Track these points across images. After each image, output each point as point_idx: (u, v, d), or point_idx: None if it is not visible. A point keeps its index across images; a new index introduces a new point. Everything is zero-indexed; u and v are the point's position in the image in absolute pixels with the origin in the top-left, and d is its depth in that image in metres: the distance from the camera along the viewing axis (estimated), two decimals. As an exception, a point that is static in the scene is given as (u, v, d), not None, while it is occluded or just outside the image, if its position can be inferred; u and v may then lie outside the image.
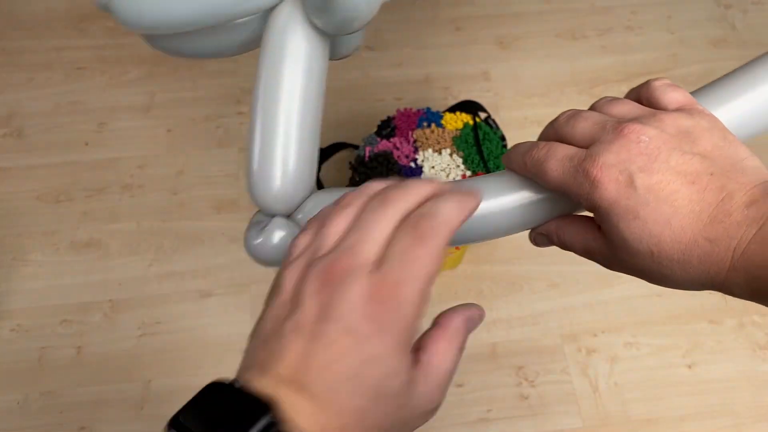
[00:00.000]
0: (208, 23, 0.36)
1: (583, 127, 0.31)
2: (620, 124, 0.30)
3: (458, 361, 0.30)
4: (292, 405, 0.25)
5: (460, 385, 0.81)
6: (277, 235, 0.36)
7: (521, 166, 0.34)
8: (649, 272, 0.30)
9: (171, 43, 0.39)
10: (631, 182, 0.28)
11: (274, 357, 0.27)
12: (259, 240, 0.36)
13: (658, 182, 0.28)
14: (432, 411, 0.29)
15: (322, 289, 0.27)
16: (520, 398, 0.80)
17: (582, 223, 0.34)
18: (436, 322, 0.30)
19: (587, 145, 0.31)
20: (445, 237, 0.28)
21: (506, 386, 0.81)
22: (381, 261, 0.27)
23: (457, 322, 0.30)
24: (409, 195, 0.29)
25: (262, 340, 0.28)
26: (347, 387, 0.26)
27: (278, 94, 0.37)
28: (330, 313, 0.26)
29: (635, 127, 0.29)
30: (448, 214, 0.28)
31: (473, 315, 0.31)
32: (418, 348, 0.29)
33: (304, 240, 0.30)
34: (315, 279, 0.27)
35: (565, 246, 0.35)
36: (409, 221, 0.28)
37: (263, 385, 0.26)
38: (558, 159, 0.31)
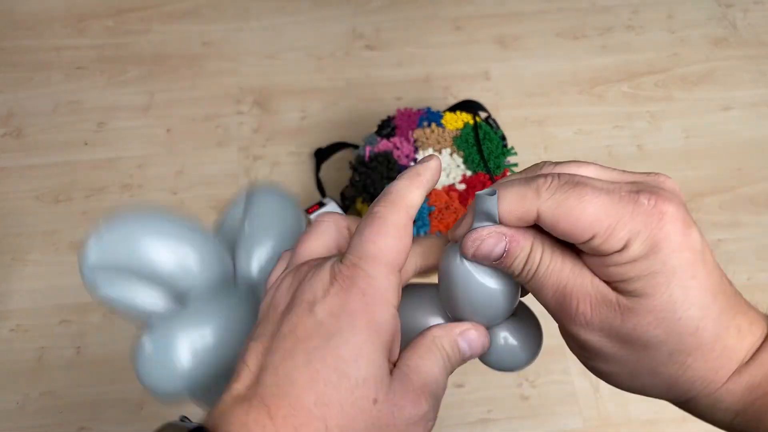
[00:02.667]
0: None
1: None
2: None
3: (446, 371, 0.27)
4: (244, 425, 0.23)
5: (460, 386, 0.80)
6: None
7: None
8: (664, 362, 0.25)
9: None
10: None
11: (234, 376, 0.25)
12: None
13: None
14: (418, 424, 0.26)
15: (288, 289, 0.26)
16: (521, 399, 0.80)
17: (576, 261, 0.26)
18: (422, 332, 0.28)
19: None
20: (400, 211, 0.26)
21: (507, 387, 0.81)
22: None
23: (440, 332, 0.28)
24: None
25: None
26: (309, 395, 0.23)
27: None
28: (291, 311, 0.25)
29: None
30: (400, 187, 0.26)
31: (469, 336, 0.28)
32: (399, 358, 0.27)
33: (278, 268, 0.29)
34: (284, 285, 0.26)
35: (534, 284, 0.27)
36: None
37: (217, 410, 0.24)
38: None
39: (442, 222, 0.78)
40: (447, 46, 1.10)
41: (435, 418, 0.27)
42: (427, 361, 0.27)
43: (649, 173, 0.27)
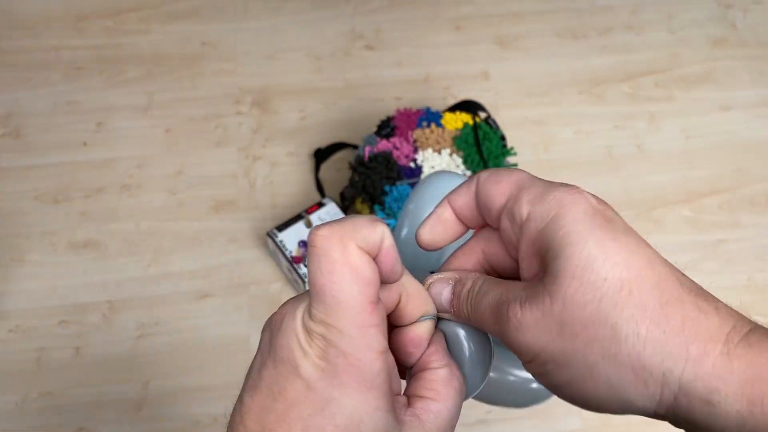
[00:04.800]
0: None
1: None
2: None
3: (460, 405, 0.26)
4: None
5: (459, 386, 0.80)
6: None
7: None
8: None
9: None
10: None
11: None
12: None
13: None
14: None
15: (267, 336, 0.24)
16: (520, 399, 0.80)
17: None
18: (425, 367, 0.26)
19: None
20: (348, 245, 0.22)
21: (506, 387, 0.81)
22: None
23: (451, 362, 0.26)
24: None
25: None
26: None
27: None
28: (275, 368, 0.23)
29: None
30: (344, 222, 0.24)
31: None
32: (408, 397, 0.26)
33: None
34: (266, 329, 0.25)
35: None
36: None
37: None
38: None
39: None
40: (446, 46, 1.10)
41: None
42: (447, 401, 0.25)
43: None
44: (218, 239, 0.90)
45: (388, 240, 0.23)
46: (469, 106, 0.89)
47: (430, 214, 0.28)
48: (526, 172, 0.26)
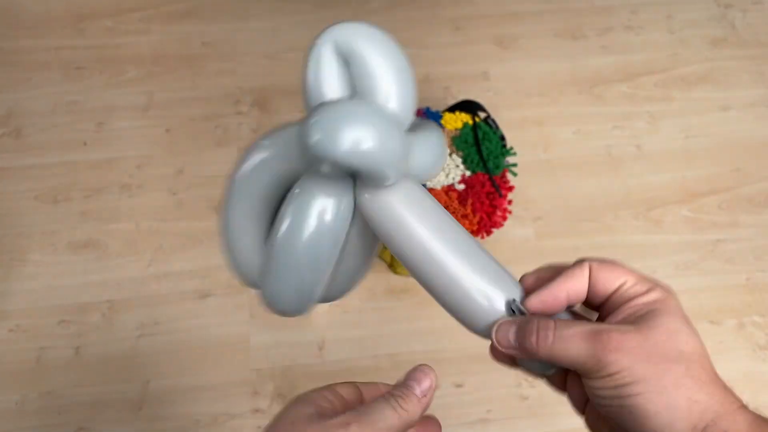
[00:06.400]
0: None
1: None
2: None
3: None
4: None
5: (459, 386, 0.81)
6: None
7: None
8: None
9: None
10: None
11: None
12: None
13: None
14: None
15: None
16: (520, 399, 0.80)
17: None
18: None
19: None
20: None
21: (506, 387, 0.81)
22: None
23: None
24: None
25: None
26: None
27: None
28: None
29: None
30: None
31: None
32: None
33: None
34: None
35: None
36: None
37: None
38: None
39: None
40: (446, 46, 1.10)
41: None
42: None
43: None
44: (218, 239, 0.90)
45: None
46: (468, 106, 0.89)
47: (543, 289, 0.35)
48: (625, 265, 0.35)
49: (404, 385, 0.34)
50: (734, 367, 0.81)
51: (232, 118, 1.01)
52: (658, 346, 0.31)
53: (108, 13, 1.13)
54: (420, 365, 0.34)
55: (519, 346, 0.34)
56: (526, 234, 0.90)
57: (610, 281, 0.34)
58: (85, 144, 0.99)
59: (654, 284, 0.34)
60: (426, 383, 0.34)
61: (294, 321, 0.83)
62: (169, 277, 0.87)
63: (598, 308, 0.35)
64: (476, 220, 0.78)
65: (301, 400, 0.32)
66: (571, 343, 0.32)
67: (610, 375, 0.31)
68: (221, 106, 1.02)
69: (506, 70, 1.07)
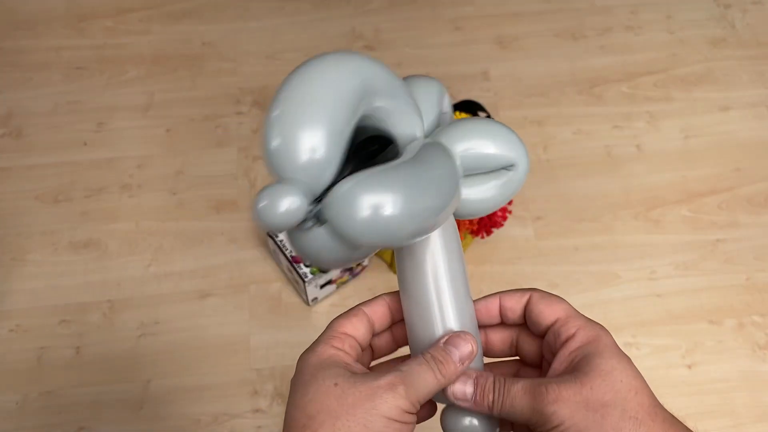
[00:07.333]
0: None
1: None
2: None
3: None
4: None
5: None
6: (286, 202, 0.29)
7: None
8: None
9: None
10: None
11: None
12: (264, 203, 0.29)
13: None
14: None
15: None
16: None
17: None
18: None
19: None
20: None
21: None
22: None
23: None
24: None
25: None
26: None
27: None
28: None
29: None
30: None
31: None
32: None
33: None
34: None
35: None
36: None
37: None
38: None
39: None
40: (446, 46, 1.10)
41: None
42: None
43: None
44: (218, 239, 0.90)
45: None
46: (468, 106, 0.89)
47: (480, 299, 0.38)
48: (567, 302, 0.36)
49: (444, 349, 0.34)
50: (734, 367, 0.81)
51: (232, 118, 1.01)
52: (594, 392, 0.31)
53: (108, 13, 1.13)
54: (460, 332, 0.35)
55: (474, 401, 0.34)
56: (526, 234, 0.91)
57: (544, 315, 0.36)
58: (85, 144, 0.99)
59: (583, 323, 0.35)
60: (466, 350, 0.34)
61: (294, 321, 0.83)
62: (169, 277, 0.87)
63: (542, 337, 0.37)
64: (476, 219, 0.78)
65: (324, 363, 0.33)
66: (516, 398, 0.33)
67: (554, 428, 0.31)
68: (221, 106, 1.03)
69: (506, 70, 1.07)
